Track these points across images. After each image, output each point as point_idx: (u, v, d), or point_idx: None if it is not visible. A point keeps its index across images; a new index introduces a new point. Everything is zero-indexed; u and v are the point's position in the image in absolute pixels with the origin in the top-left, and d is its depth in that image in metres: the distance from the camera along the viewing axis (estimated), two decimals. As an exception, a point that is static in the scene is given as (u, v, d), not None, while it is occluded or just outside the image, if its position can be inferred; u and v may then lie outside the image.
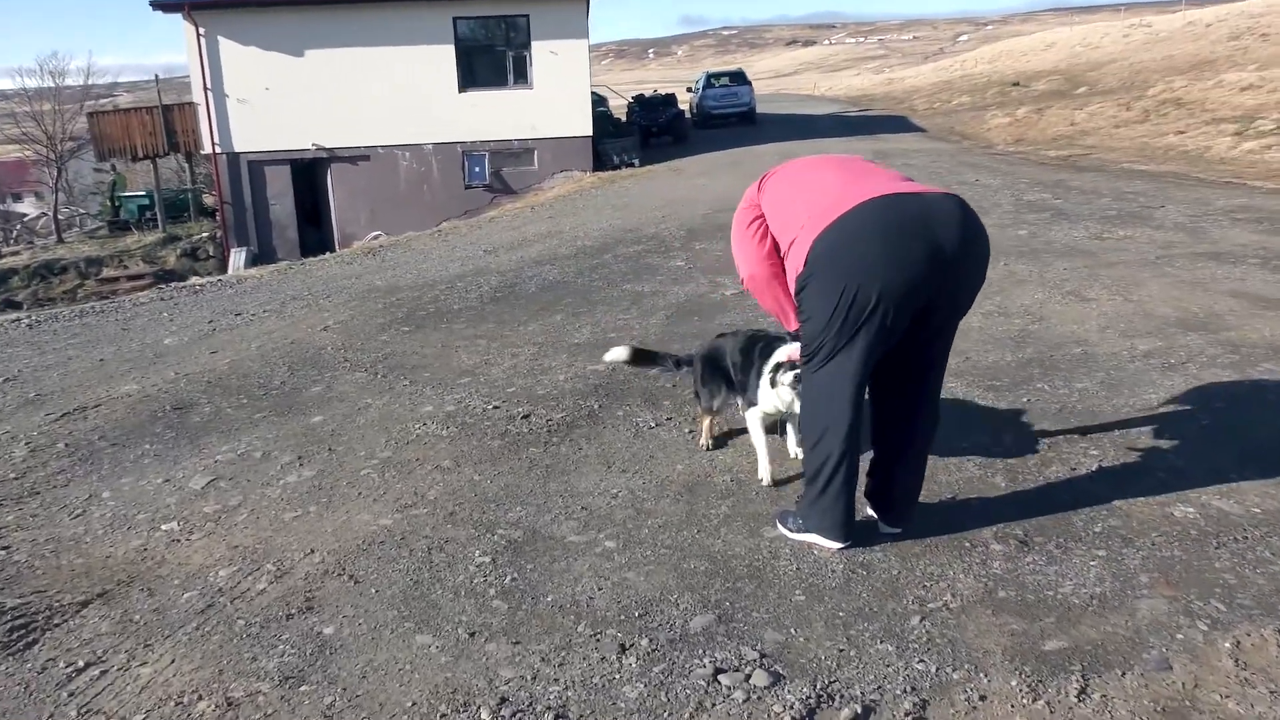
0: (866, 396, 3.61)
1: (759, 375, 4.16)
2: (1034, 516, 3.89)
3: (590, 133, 25.74)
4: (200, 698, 3.04)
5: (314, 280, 10.91)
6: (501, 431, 5.26)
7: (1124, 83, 31.21)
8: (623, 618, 3.36)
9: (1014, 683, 2.85)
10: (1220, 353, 5.87)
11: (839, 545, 3.72)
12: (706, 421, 4.78)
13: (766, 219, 3.66)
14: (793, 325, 3.65)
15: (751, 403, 4.27)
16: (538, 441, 5.09)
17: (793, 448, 4.52)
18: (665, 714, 2.81)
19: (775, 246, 3.67)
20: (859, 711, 2.75)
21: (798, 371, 3.78)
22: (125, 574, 3.87)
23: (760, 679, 2.94)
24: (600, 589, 3.56)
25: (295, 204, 25.20)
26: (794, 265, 3.46)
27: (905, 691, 2.85)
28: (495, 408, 5.66)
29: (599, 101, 29.91)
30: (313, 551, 4.00)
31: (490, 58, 25.41)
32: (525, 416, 5.47)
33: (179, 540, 4.16)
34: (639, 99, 33.79)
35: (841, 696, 2.84)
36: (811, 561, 3.66)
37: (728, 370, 4.50)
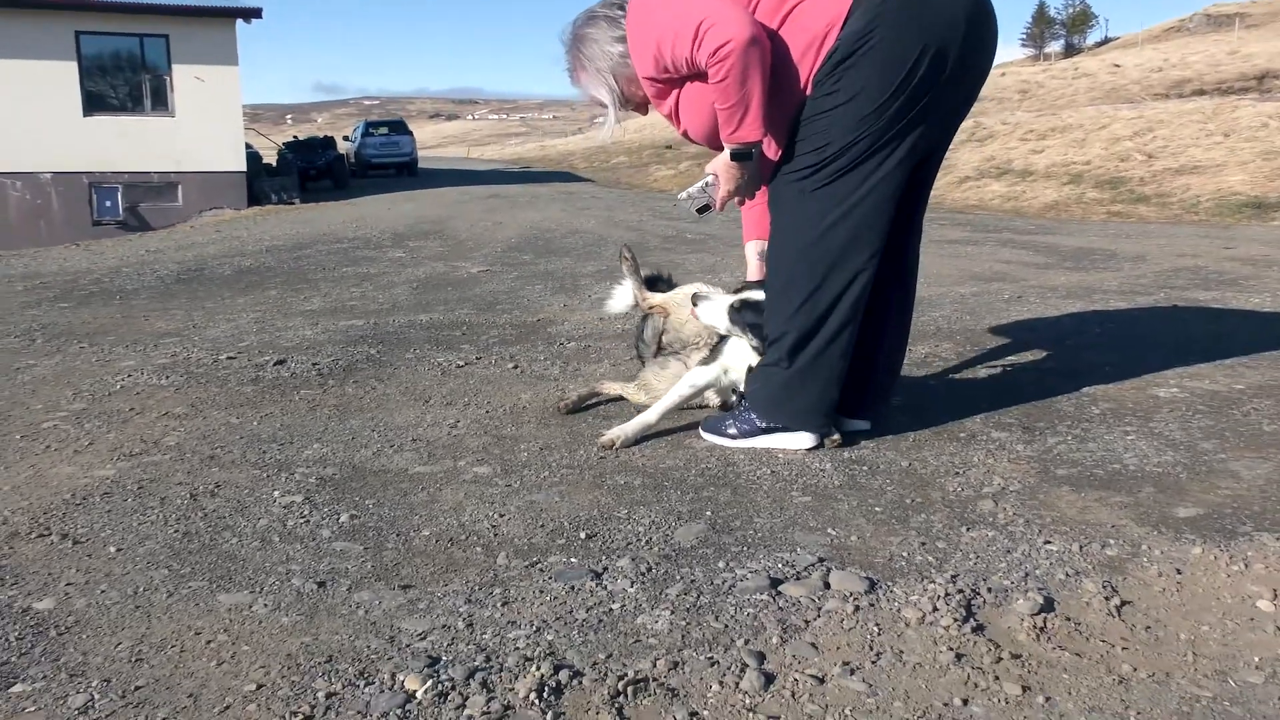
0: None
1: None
2: (1009, 407, 3.11)
3: (245, 168, 23.23)
4: None
5: (-90, 280, 8.38)
6: (252, 378, 3.78)
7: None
8: (561, 541, 2.14)
9: (1197, 550, 1.97)
10: (1044, 291, 5.56)
11: (810, 444, 2.72)
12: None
13: None
14: (757, 130, 2.54)
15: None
16: (310, 384, 3.67)
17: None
18: (738, 641, 1.65)
19: None
20: (1040, 602, 1.74)
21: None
22: None
23: (850, 583, 1.85)
24: (502, 515, 2.31)
25: None
26: (814, 26, 2.44)
27: (1069, 575, 1.88)
28: (230, 358, 4.14)
29: (245, 147, 27.24)
30: (-18, 512, 2.41)
31: (123, 80, 22.34)
32: (279, 363, 4.01)
33: None
34: (291, 143, 31.25)
35: (990, 590, 1.81)
36: (786, 465, 2.62)
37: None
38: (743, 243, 3.08)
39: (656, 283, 3.56)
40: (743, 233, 3.06)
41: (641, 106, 2.84)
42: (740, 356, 2.86)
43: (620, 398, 3.28)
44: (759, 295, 2.76)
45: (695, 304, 2.94)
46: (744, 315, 2.80)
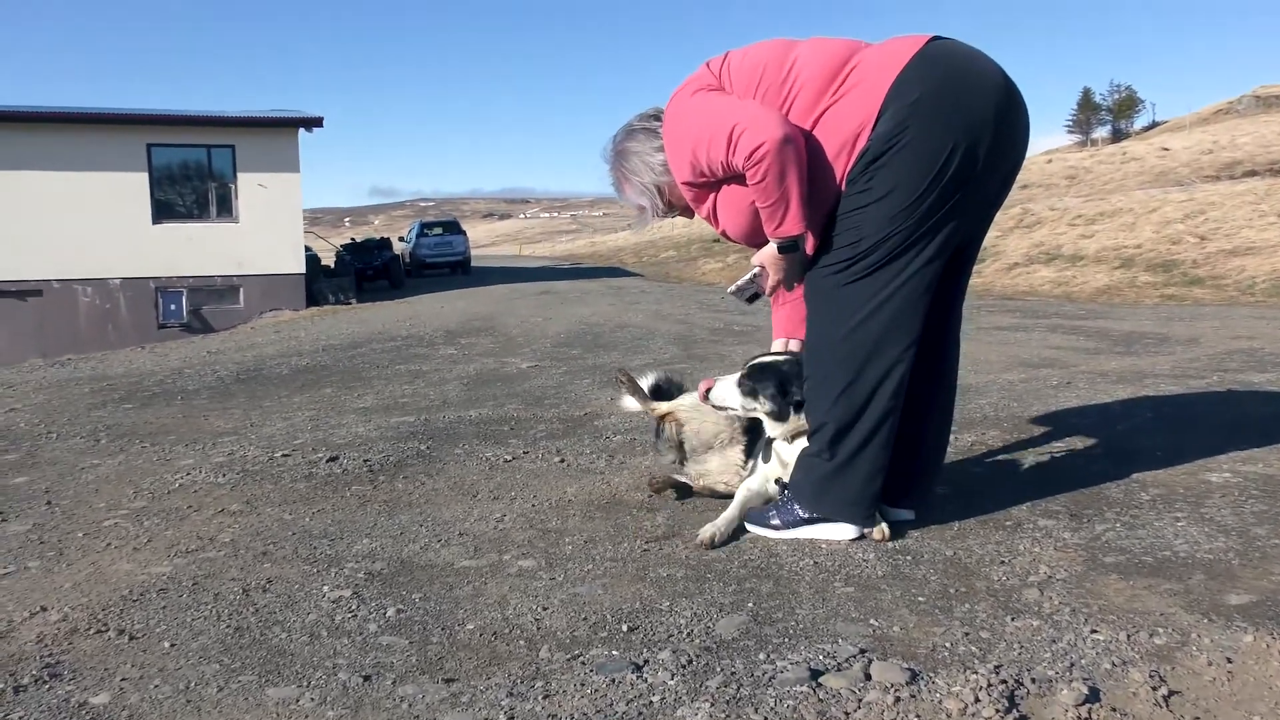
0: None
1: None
2: (1056, 494, 3.08)
3: (304, 270, 23.87)
4: None
5: (-16, 384, 8.71)
6: (305, 475, 3.87)
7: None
8: (604, 634, 2.16)
9: (1249, 638, 1.94)
10: (1094, 377, 5.51)
11: (853, 535, 2.71)
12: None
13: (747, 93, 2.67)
14: (799, 224, 2.60)
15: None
16: (361, 480, 3.75)
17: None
18: (777, 735, 1.65)
19: None
20: (1085, 693, 1.72)
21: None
22: None
23: (892, 674, 1.84)
24: (546, 608, 2.34)
25: (-58, 343, 21.37)
26: (847, 127, 2.52)
27: (1116, 664, 1.85)
28: (285, 455, 4.24)
29: (304, 249, 28.05)
30: (44, 609, 2.48)
31: (190, 188, 23.23)
32: (332, 459, 4.10)
33: None
34: (349, 245, 32.10)
35: (1034, 680, 1.79)
36: (829, 555, 2.62)
37: None
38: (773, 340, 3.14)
39: (660, 392, 3.61)
40: (773, 332, 3.11)
41: (687, 211, 2.94)
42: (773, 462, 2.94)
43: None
44: (766, 359, 2.90)
45: (707, 399, 3.01)
46: (752, 381, 2.88)
